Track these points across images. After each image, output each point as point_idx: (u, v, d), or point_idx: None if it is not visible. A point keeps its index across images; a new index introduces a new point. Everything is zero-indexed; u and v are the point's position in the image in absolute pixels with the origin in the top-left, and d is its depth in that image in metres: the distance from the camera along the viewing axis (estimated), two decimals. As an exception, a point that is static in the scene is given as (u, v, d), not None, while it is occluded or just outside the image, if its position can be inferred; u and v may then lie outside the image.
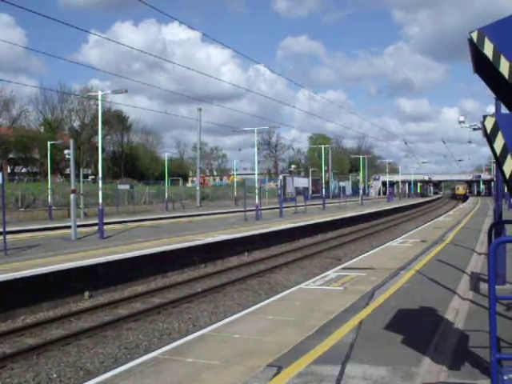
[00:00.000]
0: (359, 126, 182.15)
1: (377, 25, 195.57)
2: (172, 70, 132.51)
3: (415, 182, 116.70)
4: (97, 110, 30.65)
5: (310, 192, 69.57)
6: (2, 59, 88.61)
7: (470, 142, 56.80)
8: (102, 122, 25.30)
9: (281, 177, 62.24)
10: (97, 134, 53.31)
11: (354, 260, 14.87)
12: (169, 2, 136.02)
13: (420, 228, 27.00)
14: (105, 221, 21.42)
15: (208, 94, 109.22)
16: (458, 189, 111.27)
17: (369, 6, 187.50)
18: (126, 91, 22.33)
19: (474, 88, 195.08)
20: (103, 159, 24.09)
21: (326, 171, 62.01)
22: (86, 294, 12.71)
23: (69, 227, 20.28)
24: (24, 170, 70.62)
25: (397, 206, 55.51)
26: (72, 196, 20.18)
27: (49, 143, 37.11)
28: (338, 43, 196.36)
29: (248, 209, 31.49)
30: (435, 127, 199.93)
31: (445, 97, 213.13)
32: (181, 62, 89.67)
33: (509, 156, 3.40)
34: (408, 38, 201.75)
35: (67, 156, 28.95)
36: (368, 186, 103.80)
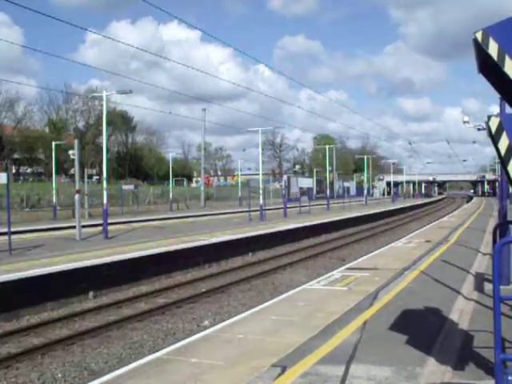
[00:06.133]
0: (361, 125, 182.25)
1: (375, 24, 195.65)
2: (171, 70, 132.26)
3: (419, 183, 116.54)
4: (101, 111, 30.74)
5: (315, 192, 69.54)
6: (1, 59, 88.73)
7: (474, 142, 56.48)
8: (107, 123, 25.39)
9: (285, 177, 62.22)
10: (101, 134, 53.58)
11: (359, 260, 14.85)
12: (165, 2, 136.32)
13: (424, 228, 26.95)
14: (109, 221, 21.46)
15: (208, 94, 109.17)
16: None
17: (366, 4, 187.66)
18: (131, 92, 22.38)
19: (475, 87, 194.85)
20: (108, 159, 24.13)
21: (331, 171, 62.00)
22: (91, 294, 12.73)
23: (73, 227, 20.32)
24: (29, 171, 70.91)
25: (401, 206, 55.43)
26: (76, 196, 20.24)
27: (53, 143, 37.19)
28: (337, 42, 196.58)
29: (252, 209, 31.50)
30: (438, 127, 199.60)
31: (446, 96, 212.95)
32: (180, 61, 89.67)
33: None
34: (406, 36, 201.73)
35: (72, 156, 29.01)
36: (372, 187, 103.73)
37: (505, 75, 3.25)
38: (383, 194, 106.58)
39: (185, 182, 77.86)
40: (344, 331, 6.98)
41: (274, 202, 56.83)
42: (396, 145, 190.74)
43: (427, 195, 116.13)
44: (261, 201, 32.04)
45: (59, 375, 7.80)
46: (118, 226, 25.47)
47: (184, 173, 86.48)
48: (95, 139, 72.38)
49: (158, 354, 6.40)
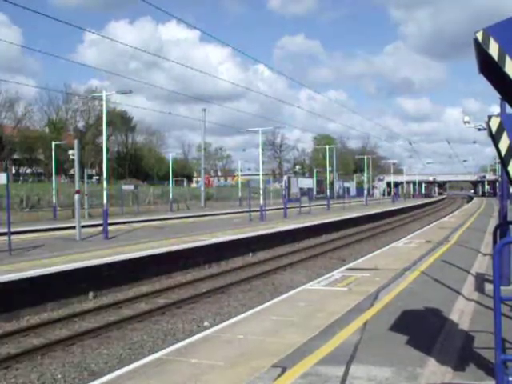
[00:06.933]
0: (362, 125, 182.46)
1: (375, 24, 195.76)
2: (170, 70, 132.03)
3: (420, 183, 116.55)
4: (101, 111, 30.73)
5: (315, 192, 69.56)
6: (0, 59, 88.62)
7: (474, 142, 56.57)
8: (107, 123, 25.38)
9: (285, 177, 62.21)
10: (101, 134, 53.60)
11: (359, 261, 14.84)
12: (163, 1, 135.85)
13: (425, 228, 26.94)
14: (109, 221, 21.45)
15: (208, 94, 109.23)
16: None
17: (366, 4, 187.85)
18: (131, 92, 22.41)
19: (474, 87, 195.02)
20: (108, 160, 24.14)
21: (331, 172, 62.00)
22: (91, 294, 12.72)
23: (73, 227, 20.31)
24: (29, 171, 70.89)
25: (401, 206, 55.42)
26: (76, 196, 20.22)
27: (53, 144, 37.18)
28: (336, 42, 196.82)
29: (252, 209, 31.50)
30: (438, 127, 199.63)
31: (446, 96, 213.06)
32: (178, 61, 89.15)
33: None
34: (406, 36, 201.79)
35: (72, 156, 29.02)
36: (372, 187, 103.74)
37: (505, 75, 3.24)
38: (383, 195, 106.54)
39: (185, 183, 77.92)
40: (344, 331, 6.98)
41: (274, 202, 56.82)
42: (396, 145, 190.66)
43: (427, 195, 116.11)
44: (261, 201, 32.04)
45: (59, 376, 7.79)
46: (118, 227, 25.46)
47: (184, 173, 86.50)
48: (95, 139, 72.40)
49: (157, 355, 6.39)
